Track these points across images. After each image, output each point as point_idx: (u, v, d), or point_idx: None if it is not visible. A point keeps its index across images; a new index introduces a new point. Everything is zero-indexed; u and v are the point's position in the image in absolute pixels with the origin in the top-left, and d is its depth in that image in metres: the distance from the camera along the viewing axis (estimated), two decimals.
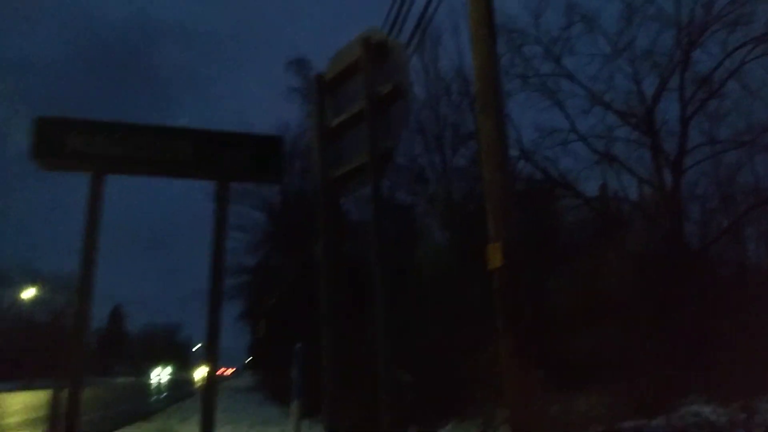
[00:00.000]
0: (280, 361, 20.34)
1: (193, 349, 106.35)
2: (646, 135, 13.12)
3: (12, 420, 14.04)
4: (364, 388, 9.40)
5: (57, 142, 3.49)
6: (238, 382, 52.61)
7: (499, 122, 5.82)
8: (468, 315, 10.87)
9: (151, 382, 58.35)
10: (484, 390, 8.59)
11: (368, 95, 3.32)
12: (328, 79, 3.78)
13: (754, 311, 8.90)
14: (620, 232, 13.63)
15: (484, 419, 8.42)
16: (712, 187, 13.19)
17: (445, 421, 8.89)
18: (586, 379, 8.95)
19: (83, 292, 3.57)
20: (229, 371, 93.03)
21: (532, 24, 13.54)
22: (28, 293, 50.68)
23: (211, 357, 3.79)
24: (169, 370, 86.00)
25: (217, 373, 3.95)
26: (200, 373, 72.70)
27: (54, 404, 3.26)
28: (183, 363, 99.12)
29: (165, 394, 31.37)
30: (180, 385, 45.80)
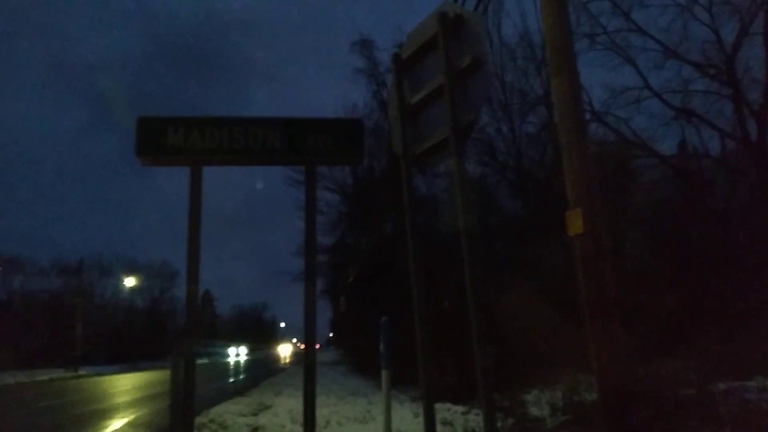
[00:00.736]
0: (362, 336, 20.89)
1: (281, 326, 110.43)
2: (726, 85, 12.47)
3: (125, 399, 15.20)
4: (447, 358, 9.59)
5: (158, 139, 3.78)
6: (322, 356, 54.20)
7: (574, 83, 5.74)
8: (546, 282, 10.82)
9: (229, 361, 57.82)
10: (567, 356, 8.59)
11: (447, 69, 3.39)
12: (406, 57, 3.87)
13: None
14: (702, 189, 13.11)
15: (568, 385, 8.43)
16: None
17: (529, 388, 8.95)
18: (674, 342, 8.77)
19: (191, 275, 3.86)
20: (316, 346, 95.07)
21: None
22: (128, 282, 54.02)
23: (309, 332, 4.01)
24: (244, 349, 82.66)
25: (315, 347, 4.18)
26: (285, 349, 74.80)
27: (175, 380, 3.56)
28: (269, 340, 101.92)
29: (243, 375, 28.63)
30: (262, 363, 45.42)
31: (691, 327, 8.78)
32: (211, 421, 8.94)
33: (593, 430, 5.60)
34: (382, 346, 6.51)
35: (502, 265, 13.92)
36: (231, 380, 24.54)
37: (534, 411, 7.25)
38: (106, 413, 11.49)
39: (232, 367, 42.55)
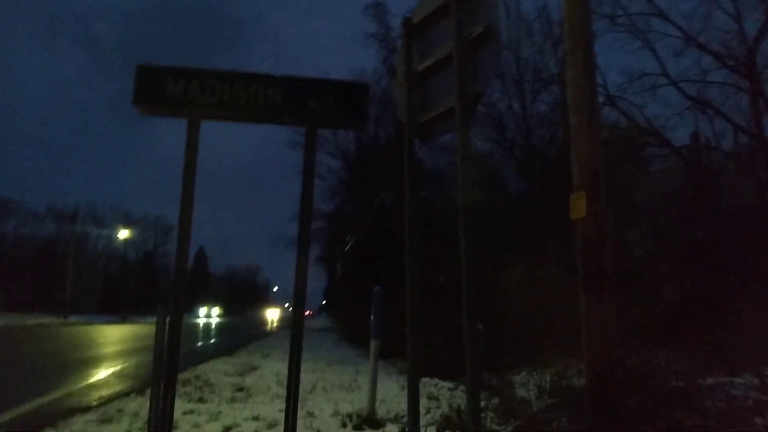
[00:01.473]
0: (354, 305, 20.97)
1: (274, 290, 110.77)
2: (745, 78, 12.23)
3: (113, 349, 15.31)
4: (438, 333, 9.58)
5: (157, 89, 3.66)
6: (314, 323, 54.45)
7: (588, 63, 5.59)
8: (545, 264, 10.77)
9: (198, 322, 46.76)
10: (561, 340, 8.57)
11: (457, 37, 3.26)
12: (416, 22, 3.74)
13: None
14: (711, 182, 12.96)
15: (558, 369, 8.43)
16: None
17: (518, 369, 8.95)
18: (668, 333, 8.75)
19: (183, 231, 3.78)
20: (309, 312, 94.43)
21: None
22: (122, 234, 54.12)
23: (299, 296, 3.95)
24: (216, 310, 73.53)
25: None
26: (272, 313, 73.34)
27: (159, 335, 3.55)
28: (260, 303, 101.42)
29: (214, 340, 23.08)
30: (238, 328, 37.53)
31: (687, 320, 8.74)
32: (197, 377, 8.98)
33: (579, 415, 5.59)
34: (372, 316, 6.49)
35: (502, 244, 13.86)
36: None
37: (521, 392, 7.25)
38: (92, 362, 11.57)
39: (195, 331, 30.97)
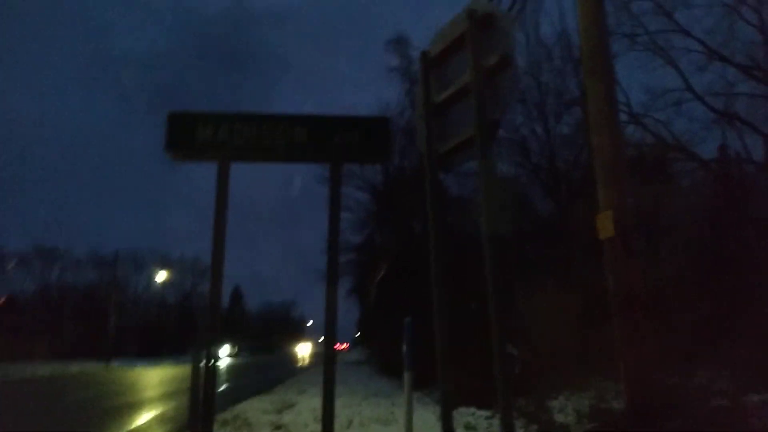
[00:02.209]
0: (387, 336, 20.86)
1: (308, 324, 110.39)
2: None
3: (154, 393, 15.47)
4: (474, 361, 9.50)
5: (187, 135, 3.82)
6: (348, 356, 53.89)
7: (609, 85, 5.63)
8: (576, 285, 10.64)
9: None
10: (596, 362, 8.43)
11: (475, 67, 3.35)
12: (434, 54, 3.84)
13: None
14: (743, 195, 12.72)
15: (596, 392, 8.27)
16: None
17: (555, 394, 8.81)
18: (707, 351, 8.54)
19: (215, 271, 3.89)
20: (344, 346, 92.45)
21: None
22: (160, 276, 54.81)
23: (330, 330, 3.99)
24: (227, 349, 63.29)
25: (337, 347, 4.16)
26: (304, 348, 71.33)
27: (194, 376, 3.60)
28: (295, 338, 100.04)
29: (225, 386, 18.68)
30: (258, 370, 32.07)
31: (725, 336, 8.52)
32: (235, 417, 9.03)
33: None
34: (405, 347, 6.48)
35: (533, 267, 13.75)
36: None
37: (559, 417, 7.13)
38: (134, 407, 11.69)
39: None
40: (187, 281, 69.21)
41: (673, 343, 8.04)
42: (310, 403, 10.80)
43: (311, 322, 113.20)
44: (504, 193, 3.54)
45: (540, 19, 16.18)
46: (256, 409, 10.13)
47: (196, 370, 4.15)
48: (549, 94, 16.01)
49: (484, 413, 8.31)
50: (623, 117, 12.55)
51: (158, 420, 9.57)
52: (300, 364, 41.95)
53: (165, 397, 13.82)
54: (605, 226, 5.40)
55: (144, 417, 9.95)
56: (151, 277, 58.03)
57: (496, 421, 7.65)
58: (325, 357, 4.05)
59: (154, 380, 20.93)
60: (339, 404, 7.46)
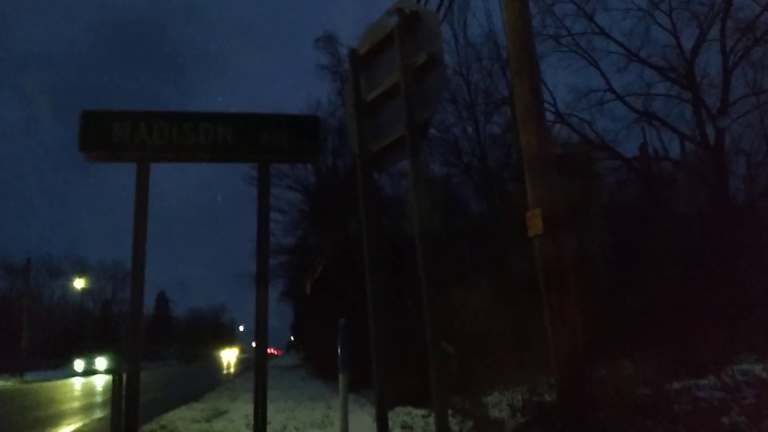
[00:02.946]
0: (323, 338, 20.68)
1: (240, 329, 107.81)
2: (686, 89, 12.75)
3: (73, 405, 14.69)
4: (410, 360, 9.51)
5: (103, 134, 3.60)
6: (283, 361, 53.02)
7: (535, 84, 5.70)
8: (510, 283, 10.83)
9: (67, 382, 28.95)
10: (530, 357, 8.60)
11: (403, 67, 3.31)
12: (362, 53, 3.78)
13: None
14: (663, 191, 13.35)
15: (529, 386, 8.44)
16: (757, 140, 12.78)
17: (490, 390, 8.93)
18: (633, 343, 8.87)
19: (136, 277, 3.69)
20: (275, 351, 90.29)
21: None
22: (79, 283, 52.28)
23: (261, 334, 3.88)
24: (103, 362, 41.82)
25: (269, 351, 4.03)
26: (230, 354, 67.29)
27: (115, 388, 3.39)
28: (226, 343, 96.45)
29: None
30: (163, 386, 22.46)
31: (650, 327, 8.89)
32: (162, 427, 8.67)
33: (552, 431, 5.59)
34: (339, 350, 6.38)
35: (467, 266, 13.94)
36: None
37: (494, 413, 7.22)
38: (50, 421, 11.04)
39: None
40: (108, 287, 66.11)
41: (602, 335, 8.31)
42: (243, 410, 10.52)
43: (242, 327, 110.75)
44: (433, 192, 3.52)
45: (468, 19, 16.51)
46: (184, 418, 9.76)
47: (117, 381, 3.93)
48: (479, 94, 16.32)
49: (420, 412, 8.32)
50: (550, 116, 12.96)
51: None
52: (225, 371, 38.96)
53: (84, 410, 13.13)
54: (534, 223, 5.47)
55: (63, 431, 9.41)
56: (67, 285, 55.09)
57: (431, 419, 7.67)
58: (255, 362, 3.93)
59: (74, 393, 19.89)
60: (273, 409, 7.26)
